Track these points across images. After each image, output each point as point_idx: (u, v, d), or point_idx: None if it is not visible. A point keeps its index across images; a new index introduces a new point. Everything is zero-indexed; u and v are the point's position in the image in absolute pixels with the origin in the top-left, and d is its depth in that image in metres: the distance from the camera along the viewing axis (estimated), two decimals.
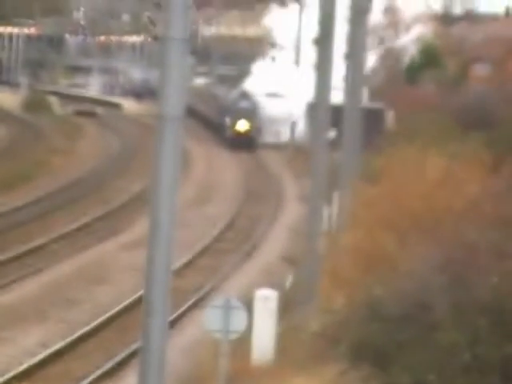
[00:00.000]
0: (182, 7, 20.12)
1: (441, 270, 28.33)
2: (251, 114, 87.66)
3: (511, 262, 27.37)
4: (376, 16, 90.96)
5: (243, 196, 79.28)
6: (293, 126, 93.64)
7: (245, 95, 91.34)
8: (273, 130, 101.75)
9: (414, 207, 38.06)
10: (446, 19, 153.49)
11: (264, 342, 35.55)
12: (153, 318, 19.00)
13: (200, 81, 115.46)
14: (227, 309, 31.75)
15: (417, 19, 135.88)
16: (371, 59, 75.83)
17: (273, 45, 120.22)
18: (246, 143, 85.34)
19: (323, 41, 46.78)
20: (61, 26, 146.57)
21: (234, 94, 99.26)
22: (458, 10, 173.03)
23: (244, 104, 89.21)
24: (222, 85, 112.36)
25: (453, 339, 25.89)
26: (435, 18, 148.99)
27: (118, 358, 36.48)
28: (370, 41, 69.19)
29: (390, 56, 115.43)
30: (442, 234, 32.25)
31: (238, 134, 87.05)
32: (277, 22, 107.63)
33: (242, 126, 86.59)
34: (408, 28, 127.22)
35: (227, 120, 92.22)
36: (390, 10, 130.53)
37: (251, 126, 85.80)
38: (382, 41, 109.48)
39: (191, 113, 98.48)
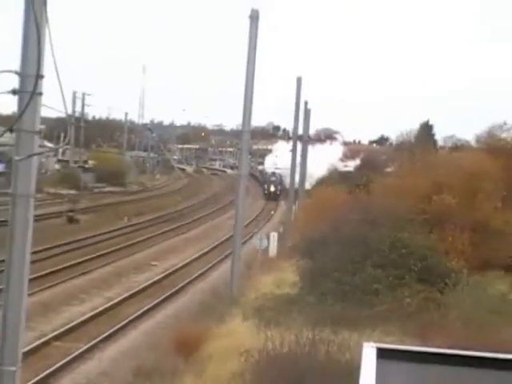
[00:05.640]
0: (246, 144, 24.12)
1: (331, 229, 27.26)
2: (277, 183, 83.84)
3: (357, 227, 25.49)
4: None
5: (265, 206, 72.77)
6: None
7: (274, 173, 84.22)
8: None
9: (322, 207, 35.50)
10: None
11: (273, 250, 34.89)
12: None
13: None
14: (261, 238, 32.00)
15: None
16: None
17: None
18: (274, 198, 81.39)
19: (293, 148, 47.23)
20: (205, 145, 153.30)
21: (268, 173, 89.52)
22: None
23: (273, 178, 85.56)
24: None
25: (334, 252, 23.76)
26: None
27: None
28: None
29: None
30: (330, 217, 30.43)
31: (270, 193, 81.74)
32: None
33: (272, 189, 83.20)
34: None
35: (265, 186, 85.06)
36: None
37: (276, 190, 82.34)
38: None
39: (255, 179, 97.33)
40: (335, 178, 61.20)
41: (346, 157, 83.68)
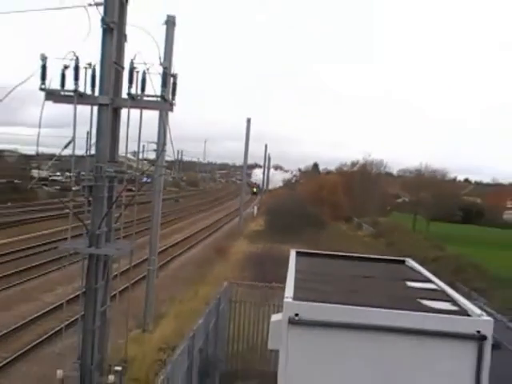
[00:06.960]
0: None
1: (277, 204, 26.26)
2: (257, 187, 58.49)
3: (288, 204, 24.08)
4: None
5: (251, 197, 56.32)
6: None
7: (255, 182, 62.64)
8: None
9: (274, 196, 35.42)
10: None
11: (255, 213, 31.59)
12: None
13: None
14: (251, 208, 30.73)
15: None
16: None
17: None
18: (256, 194, 56.43)
19: (263, 171, 43.12)
20: (229, 171, 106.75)
21: (253, 182, 64.06)
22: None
23: (255, 184, 61.71)
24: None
25: (278, 214, 22.04)
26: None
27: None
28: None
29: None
30: (277, 199, 30.09)
31: (254, 192, 59.19)
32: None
33: (254, 190, 60.05)
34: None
35: (252, 188, 62.12)
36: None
37: (257, 190, 58.08)
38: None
39: (248, 185, 58.88)
40: (288, 184, 57.85)
41: (295, 175, 77.34)
